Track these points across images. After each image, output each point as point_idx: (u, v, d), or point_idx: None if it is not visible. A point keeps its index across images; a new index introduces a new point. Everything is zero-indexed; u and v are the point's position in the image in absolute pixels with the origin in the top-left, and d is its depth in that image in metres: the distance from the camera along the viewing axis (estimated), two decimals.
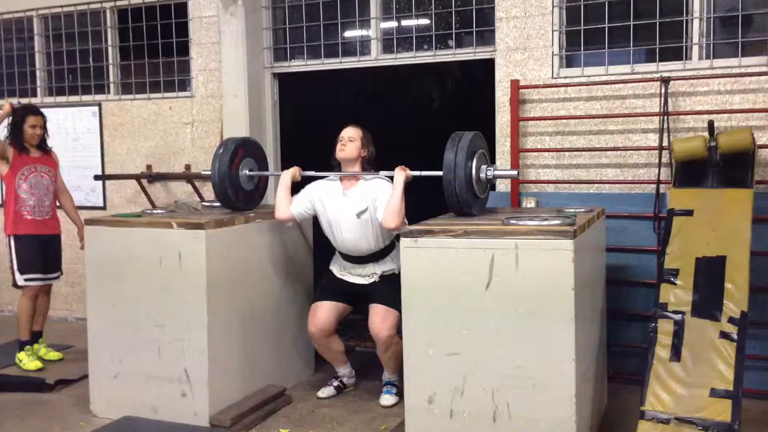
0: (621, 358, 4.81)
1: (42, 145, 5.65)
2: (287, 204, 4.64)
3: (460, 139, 3.98)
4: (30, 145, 5.57)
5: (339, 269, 4.73)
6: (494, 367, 3.54)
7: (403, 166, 4.35)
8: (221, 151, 4.69)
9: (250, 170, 4.83)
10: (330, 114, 4.89)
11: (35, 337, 5.69)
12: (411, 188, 4.39)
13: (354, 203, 4.50)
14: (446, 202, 4.03)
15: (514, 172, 4.56)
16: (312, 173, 4.73)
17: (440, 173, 3.96)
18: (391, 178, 4.36)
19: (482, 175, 4.06)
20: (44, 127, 5.64)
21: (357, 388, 4.92)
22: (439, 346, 3.64)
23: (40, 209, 5.56)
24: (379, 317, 4.49)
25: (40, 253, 5.54)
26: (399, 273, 4.27)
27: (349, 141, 4.57)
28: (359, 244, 4.53)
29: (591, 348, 3.97)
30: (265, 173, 5.03)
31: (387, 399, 4.60)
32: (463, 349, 3.60)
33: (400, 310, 4.21)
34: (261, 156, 5.02)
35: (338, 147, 4.59)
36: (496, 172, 4.17)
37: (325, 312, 4.67)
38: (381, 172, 4.54)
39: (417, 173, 4.35)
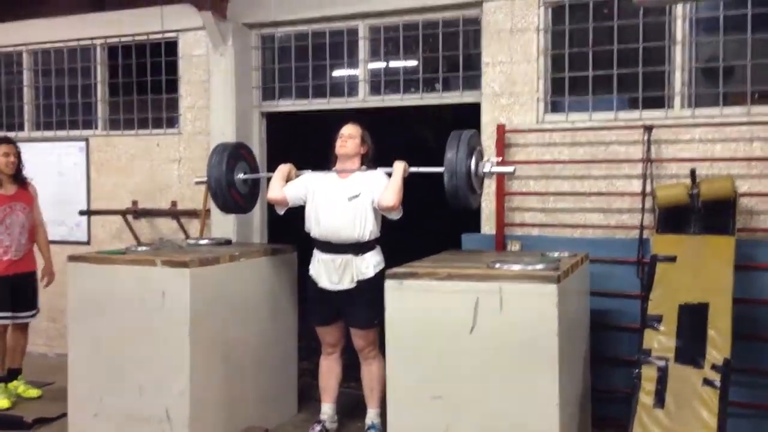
0: (605, 403, 4.79)
1: (18, 176, 5.54)
2: (281, 186, 4.68)
3: (459, 138, 4.15)
4: (5, 175, 5.45)
5: (317, 272, 4.62)
6: (478, 411, 3.54)
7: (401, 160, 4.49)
8: (216, 156, 4.84)
9: (244, 173, 4.95)
10: (318, 154, 4.91)
11: (13, 374, 5.60)
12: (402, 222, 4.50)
13: (347, 188, 4.52)
14: (446, 198, 4.18)
15: (511, 169, 4.56)
16: (308, 171, 4.78)
17: (440, 169, 4.15)
18: (390, 174, 4.45)
19: (480, 172, 4.24)
20: (18, 156, 5.52)
21: (339, 429, 4.87)
22: (422, 389, 3.63)
23: (16, 249, 5.47)
24: (360, 338, 4.60)
25: (11, 292, 5.43)
26: (375, 277, 4.38)
27: (350, 138, 4.62)
28: (343, 231, 4.46)
29: (575, 393, 3.97)
30: (260, 175, 5.16)
31: None
32: (447, 393, 3.59)
33: (377, 324, 4.27)
34: (252, 159, 5.17)
35: (338, 143, 4.63)
36: (494, 169, 4.34)
37: (331, 333, 4.74)
38: (379, 168, 4.59)
39: (416, 169, 4.47)
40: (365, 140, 4.68)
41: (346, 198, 4.48)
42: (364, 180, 4.53)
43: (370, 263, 4.50)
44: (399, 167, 4.44)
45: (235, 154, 4.94)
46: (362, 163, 4.65)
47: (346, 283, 4.51)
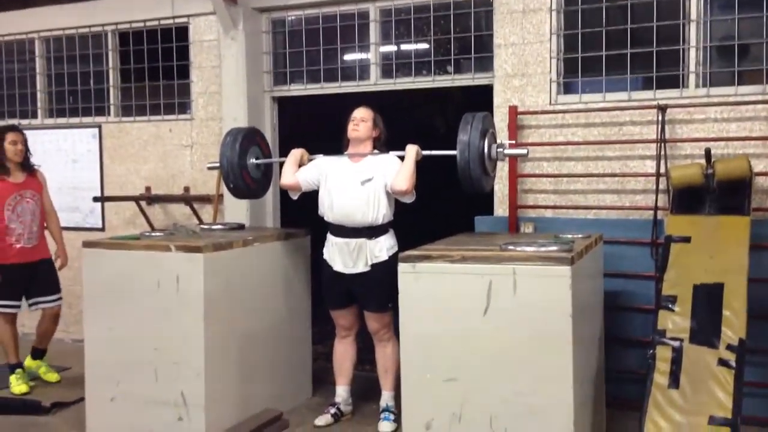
0: (619, 384, 4.79)
1: (26, 164, 5.53)
2: (293, 171, 4.69)
3: (472, 121, 4.12)
4: (13, 163, 5.44)
5: (331, 255, 4.64)
6: (492, 393, 3.54)
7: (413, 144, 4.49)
8: (230, 139, 4.83)
9: (256, 158, 4.95)
10: (330, 137, 4.91)
11: (38, 354, 5.67)
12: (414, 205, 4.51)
13: (359, 172, 4.52)
14: (459, 181, 4.16)
15: (524, 151, 4.53)
16: (320, 155, 4.78)
17: (453, 152, 4.13)
18: (402, 158, 4.44)
19: (493, 154, 4.22)
20: (25, 144, 5.51)
21: (354, 414, 4.89)
22: (437, 371, 3.63)
23: (29, 236, 5.47)
24: (374, 321, 4.62)
25: (26, 280, 5.47)
26: (388, 260, 4.38)
27: (362, 121, 4.62)
28: (355, 214, 4.47)
29: (589, 374, 3.97)
30: (272, 160, 5.14)
31: (385, 426, 4.57)
32: (461, 375, 3.59)
33: (391, 307, 4.28)
34: (265, 145, 5.17)
35: (350, 127, 4.63)
36: (507, 151, 4.32)
37: (345, 316, 4.76)
38: (391, 152, 4.59)
39: (428, 152, 4.46)
40: (377, 123, 4.67)
41: (359, 182, 4.48)
42: (377, 163, 4.53)
43: (383, 246, 4.50)
44: (411, 151, 4.42)
45: (249, 137, 4.95)
46: (374, 147, 4.65)
47: (360, 267, 4.52)
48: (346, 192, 4.51)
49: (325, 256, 4.68)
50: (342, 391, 4.83)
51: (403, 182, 4.34)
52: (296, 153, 4.78)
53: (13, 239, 5.41)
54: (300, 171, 4.71)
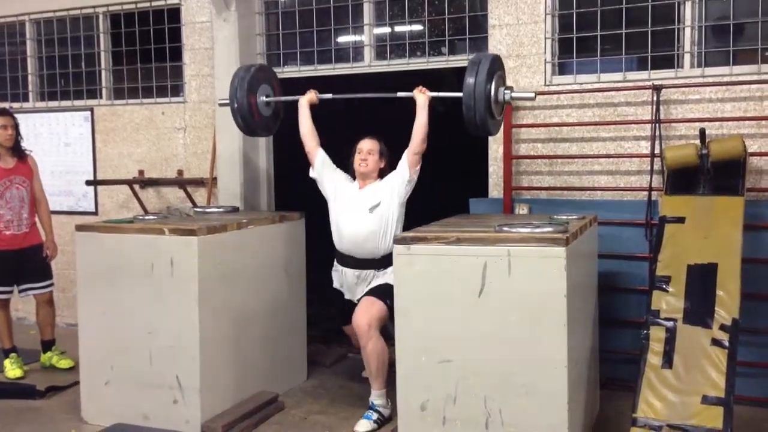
0: (613, 364, 4.82)
1: (16, 148, 5.46)
2: (309, 121, 4.74)
3: (480, 62, 4.08)
4: (2, 148, 5.36)
5: (340, 284, 4.69)
6: (487, 374, 3.55)
7: (421, 87, 4.46)
8: (240, 75, 4.82)
9: (267, 96, 4.93)
10: (325, 118, 4.89)
11: (47, 345, 5.64)
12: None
13: (367, 199, 4.53)
14: (464, 124, 4.13)
15: (531, 94, 4.44)
16: (329, 95, 4.81)
17: (460, 94, 4.09)
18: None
19: (500, 97, 4.18)
20: (16, 128, 5.43)
21: (349, 394, 4.90)
22: (431, 353, 3.64)
23: (18, 223, 5.42)
24: (362, 308, 4.43)
25: (17, 267, 5.43)
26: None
27: (369, 154, 4.60)
28: (366, 243, 4.47)
29: (583, 354, 3.98)
30: (282, 99, 5.09)
31: (362, 425, 4.34)
32: (456, 356, 3.60)
33: (386, 305, 4.25)
34: (276, 82, 5.16)
35: (357, 160, 4.62)
36: (514, 94, 4.30)
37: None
38: (398, 92, 4.57)
39: (436, 93, 4.44)
40: (383, 154, 4.66)
41: (367, 209, 4.49)
42: (382, 186, 4.55)
43: (390, 276, 4.27)
44: (422, 102, 4.40)
45: (265, 71, 5.02)
46: (380, 177, 4.64)
47: (362, 292, 4.55)
48: (354, 220, 4.51)
49: (336, 285, 4.72)
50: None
51: (421, 143, 4.38)
52: (304, 101, 4.78)
53: (1, 226, 5.36)
54: (322, 152, 4.72)
